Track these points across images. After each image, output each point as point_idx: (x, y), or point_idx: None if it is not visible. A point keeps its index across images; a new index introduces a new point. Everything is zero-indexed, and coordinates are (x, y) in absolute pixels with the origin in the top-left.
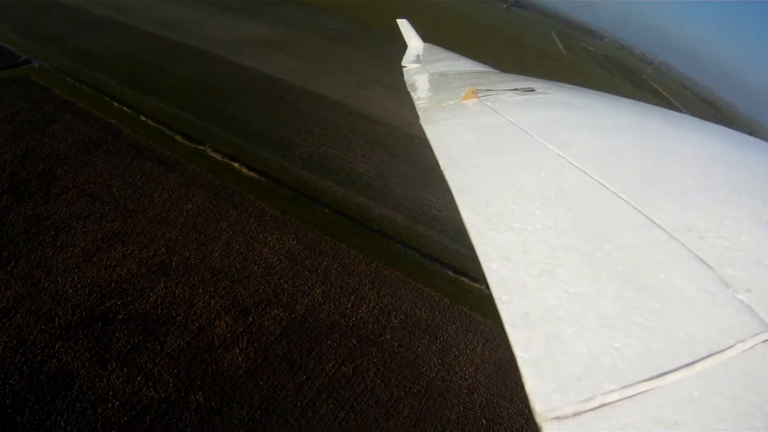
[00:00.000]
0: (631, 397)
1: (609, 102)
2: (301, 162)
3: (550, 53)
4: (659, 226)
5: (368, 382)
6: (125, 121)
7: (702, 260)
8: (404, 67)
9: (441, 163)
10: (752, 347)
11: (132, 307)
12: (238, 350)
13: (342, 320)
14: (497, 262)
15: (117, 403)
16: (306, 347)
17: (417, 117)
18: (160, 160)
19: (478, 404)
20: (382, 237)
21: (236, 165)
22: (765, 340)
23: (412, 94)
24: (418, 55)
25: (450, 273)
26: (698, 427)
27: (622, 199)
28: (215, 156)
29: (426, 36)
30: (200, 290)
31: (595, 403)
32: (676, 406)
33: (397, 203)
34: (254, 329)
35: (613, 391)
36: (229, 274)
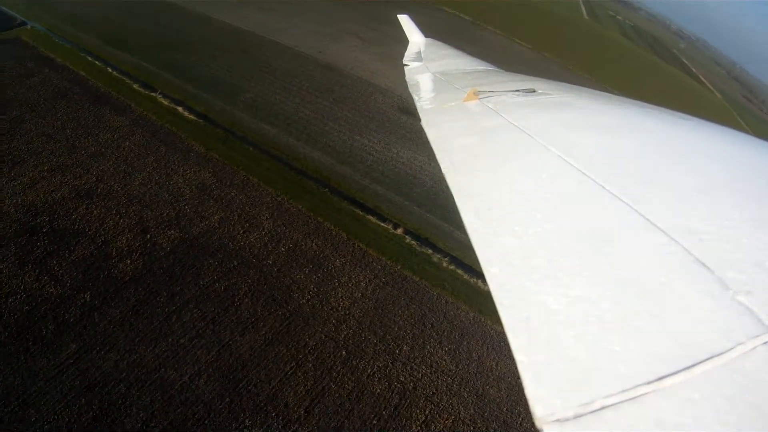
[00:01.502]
0: (631, 399)
1: (610, 103)
2: (243, 106)
3: (570, 19)
4: (659, 229)
5: (236, 300)
6: (93, 73)
7: (702, 263)
8: (405, 65)
9: (443, 166)
10: (752, 349)
11: (56, 223)
12: (129, 261)
13: (230, 244)
14: (498, 266)
15: (24, 296)
16: (189, 263)
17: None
18: (113, 105)
19: (343, 336)
20: (298, 174)
21: (180, 109)
22: (765, 342)
23: (413, 94)
24: (419, 52)
25: (358, 211)
26: (699, 430)
27: (623, 201)
28: (163, 101)
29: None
30: (114, 212)
31: (596, 406)
32: (676, 408)
33: (326, 145)
34: (149, 245)
35: (613, 394)
36: (143, 199)
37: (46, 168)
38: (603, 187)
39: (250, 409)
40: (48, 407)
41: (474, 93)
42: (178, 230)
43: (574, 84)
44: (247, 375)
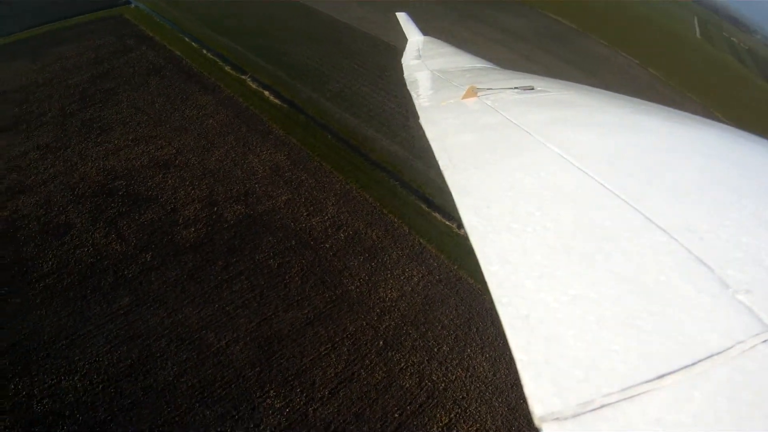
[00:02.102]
0: (631, 398)
1: (610, 100)
2: (330, 95)
3: (680, 35)
4: (659, 227)
5: (287, 278)
6: (188, 53)
7: (702, 261)
8: (403, 63)
9: (441, 164)
10: (752, 348)
11: (132, 188)
12: (193, 229)
13: (292, 224)
14: (497, 264)
15: (91, 249)
16: (248, 238)
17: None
18: (203, 85)
19: (384, 326)
20: (372, 165)
21: (267, 93)
22: (765, 341)
23: (412, 92)
24: (418, 50)
25: (424, 206)
26: (698, 428)
27: (622, 199)
28: (251, 84)
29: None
30: (187, 183)
31: (595, 404)
32: (676, 407)
33: (405, 140)
34: (214, 217)
35: (612, 393)
36: (216, 174)
37: (131, 137)
38: (602, 185)
39: (276, 382)
40: (92, 350)
41: (472, 90)
42: (244, 206)
43: (574, 83)
44: (282, 349)
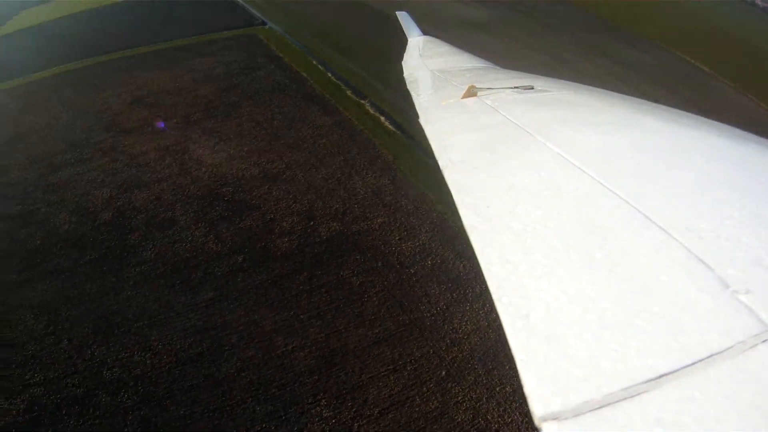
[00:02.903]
0: (631, 398)
1: (609, 99)
2: None
3: None
4: (659, 226)
5: (365, 296)
6: (314, 75)
7: (702, 260)
8: (403, 63)
9: (441, 164)
10: (752, 348)
11: (237, 195)
12: (287, 239)
13: (382, 246)
14: (497, 263)
15: (188, 245)
16: (337, 254)
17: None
18: (323, 107)
19: (450, 357)
20: None
21: (382, 119)
22: (765, 341)
23: (412, 91)
24: (418, 50)
25: None
26: (698, 428)
27: (622, 198)
28: (369, 109)
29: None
30: (290, 196)
31: (595, 404)
32: (676, 407)
33: None
34: (309, 231)
35: (612, 392)
36: (319, 191)
37: (246, 149)
38: (602, 184)
39: (331, 392)
40: (168, 333)
41: (472, 90)
42: (340, 224)
43: (573, 82)
44: (344, 363)
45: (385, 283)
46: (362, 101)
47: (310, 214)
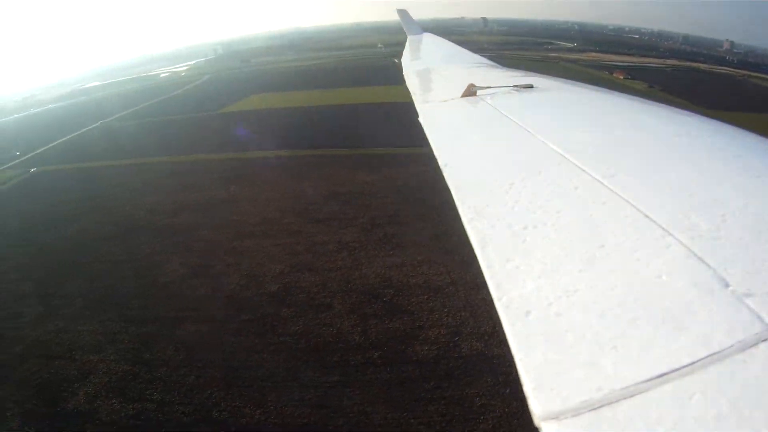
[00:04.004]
0: (631, 398)
1: (608, 98)
2: None
3: None
4: (659, 226)
5: (481, 419)
6: None
7: (702, 259)
8: (403, 60)
9: (440, 162)
10: (752, 347)
11: (396, 299)
12: (427, 348)
13: (514, 372)
14: (497, 263)
15: (334, 331)
16: (469, 373)
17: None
18: None
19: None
20: None
21: None
22: (765, 340)
23: (411, 89)
24: (418, 47)
25: None
26: (698, 428)
27: (622, 197)
28: None
29: None
30: (445, 309)
31: (595, 404)
32: (676, 407)
33: None
34: (451, 345)
35: (612, 391)
36: (475, 312)
37: (418, 258)
38: (602, 183)
39: None
40: (284, 399)
41: (472, 89)
42: (483, 344)
43: (572, 81)
44: None
45: (507, 410)
46: None
47: (458, 330)
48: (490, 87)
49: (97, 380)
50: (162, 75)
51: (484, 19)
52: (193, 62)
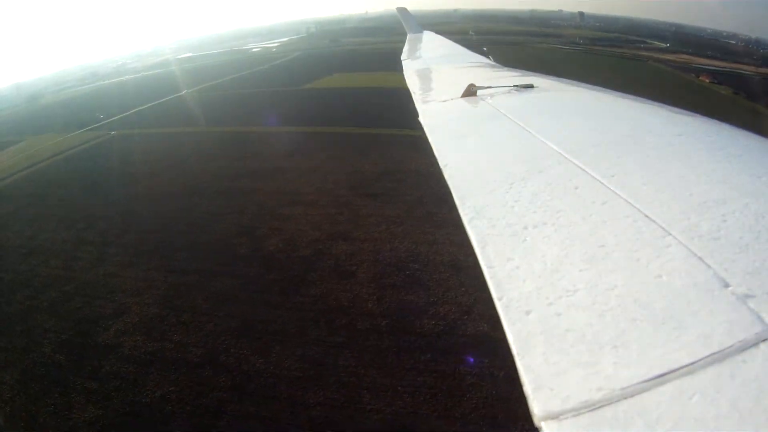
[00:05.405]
0: (631, 398)
1: (609, 98)
2: None
3: None
4: (659, 226)
5: (466, 396)
6: None
7: (702, 260)
8: (403, 59)
9: (440, 162)
10: (752, 347)
11: (419, 274)
12: (434, 323)
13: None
14: (497, 262)
15: (352, 296)
16: (469, 351)
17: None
18: None
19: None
20: None
21: None
22: (765, 340)
23: (411, 88)
24: (418, 46)
25: None
26: (698, 428)
27: (622, 197)
28: None
29: None
30: (463, 289)
31: (595, 404)
32: (676, 407)
33: None
34: (458, 323)
35: (612, 392)
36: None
37: (451, 238)
38: (602, 182)
39: None
40: (286, 351)
41: (472, 89)
42: (489, 328)
43: (573, 81)
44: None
45: (494, 392)
46: None
47: (469, 310)
48: (490, 87)
49: (129, 320)
50: (254, 50)
51: (581, 13)
52: (286, 39)
